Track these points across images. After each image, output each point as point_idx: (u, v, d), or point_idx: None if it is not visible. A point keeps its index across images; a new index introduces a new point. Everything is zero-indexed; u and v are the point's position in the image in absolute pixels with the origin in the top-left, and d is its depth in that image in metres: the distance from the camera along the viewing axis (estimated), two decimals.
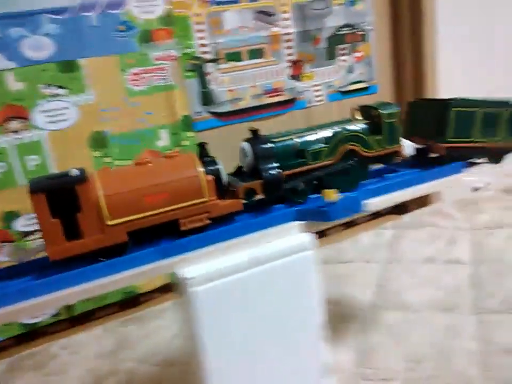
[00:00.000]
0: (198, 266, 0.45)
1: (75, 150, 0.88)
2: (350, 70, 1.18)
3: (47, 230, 0.42)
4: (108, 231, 0.44)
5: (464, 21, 1.36)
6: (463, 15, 1.35)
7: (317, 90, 1.14)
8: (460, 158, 0.63)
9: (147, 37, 0.92)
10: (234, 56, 1.02)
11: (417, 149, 0.66)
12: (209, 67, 1.00)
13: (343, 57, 1.16)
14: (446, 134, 0.61)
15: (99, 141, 0.90)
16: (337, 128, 0.57)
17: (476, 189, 1.46)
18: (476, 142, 0.63)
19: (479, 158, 0.67)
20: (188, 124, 0.98)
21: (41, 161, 0.86)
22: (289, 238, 0.49)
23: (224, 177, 0.50)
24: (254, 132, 0.53)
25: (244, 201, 0.51)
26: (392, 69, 1.27)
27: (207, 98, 1.01)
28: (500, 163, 0.69)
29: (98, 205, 0.44)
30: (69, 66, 0.86)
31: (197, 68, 0.98)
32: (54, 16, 0.83)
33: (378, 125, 0.58)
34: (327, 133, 0.56)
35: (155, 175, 0.47)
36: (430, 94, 1.25)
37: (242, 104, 1.05)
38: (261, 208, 0.52)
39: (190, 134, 0.99)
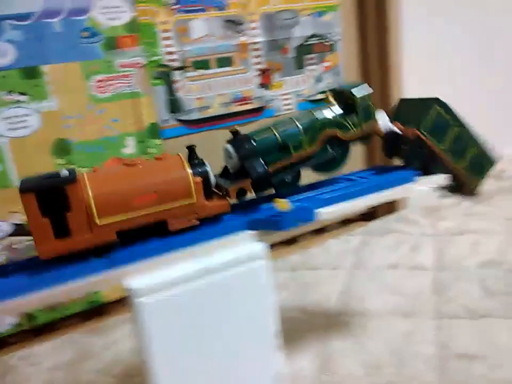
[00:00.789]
0: (145, 277, 0.45)
1: (37, 158, 0.87)
2: (319, 79, 1.20)
3: (37, 229, 0.43)
4: (97, 231, 0.45)
5: (430, 30, 1.40)
6: (428, 24, 1.39)
7: (286, 99, 1.16)
8: (420, 158, 0.64)
9: (112, 44, 0.91)
10: (202, 64, 1.02)
11: (391, 135, 0.66)
12: (176, 75, 1.00)
13: (311, 67, 1.18)
14: (421, 123, 0.63)
15: (62, 149, 0.89)
16: (313, 116, 0.58)
17: (441, 196, 1.49)
18: (442, 150, 0.65)
19: (436, 170, 0.68)
20: (155, 131, 0.98)
21: (2, 169, 0.84)
22: (240, 248, 0.50)
23: (212, 179, 0.51)
24: (235, 133, 0.54)
25: (231, 202, 0.52)
26: (359, 79, 1.30)
27: (174, 106, 1.01)
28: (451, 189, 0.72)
29: (87, 204, 0.44)
30: (31, 73, 0.84)
31: (164, 75, 0.98)
32: (16, 22, 0.82)
33: (352, 105, 0.59)
34: (305, 122, 0.57)
35: (144, 176, 0.48)
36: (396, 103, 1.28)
37: (210, 112, 1.05)
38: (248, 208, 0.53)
39: (157, 141, 0.99)
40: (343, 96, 0.61)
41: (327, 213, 0.54)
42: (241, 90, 1.08)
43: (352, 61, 1.27)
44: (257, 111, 1.11)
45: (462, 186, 0.71)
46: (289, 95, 1.16)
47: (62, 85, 0.87)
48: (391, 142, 0.68)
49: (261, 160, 0.53)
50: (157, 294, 0.44)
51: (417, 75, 1.34)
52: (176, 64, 0.99)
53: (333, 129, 0.58)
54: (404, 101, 0.72)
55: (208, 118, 1.05)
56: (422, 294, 0.92)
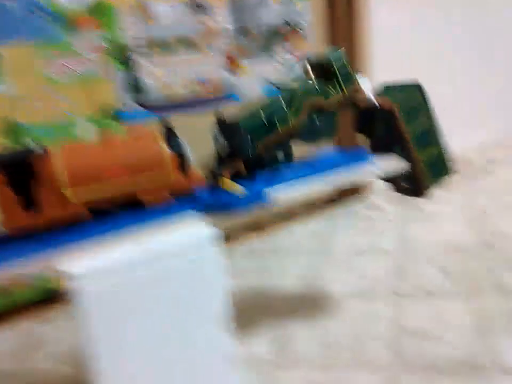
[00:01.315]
0: (85, 263, 0.43)
1: None
2: (288, 68, 1.20)
3: (5, 203, 0.42)
4: (67, 204, 0.44)
5: (399, 19, 1.42)
6: (397, 13, 1.41)
7: (254, 85, 1.15)
8: (387, 138, 0.65)
9: (71, 25, 0.88)
10: (166, 48, 1.00)
11: (369, 107, 0.66)
12: (138, 58, 0.98)
13: (280, 54, 1.18)
14: (398, 102, 0.63)
15: (15, 131, 0.86)
16: (295, 87, 0.58)
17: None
18: (408, 134, 0.65)
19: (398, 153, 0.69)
20: (115, 115, 0.96)
21: None
22: (190, 232, 0.49)
23: (188, 155, 0.51)
24: (220, 118, 0.54)
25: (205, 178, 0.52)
26: None
27: (136, 89, 0.99)
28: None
29: (56, 177, 0.43)
30: None
31: (125, 58, 0.96)
32: None
33: (332, 72, 0.59)
34: (287, 95, 0.57)
35: (117, 150, 0.47)
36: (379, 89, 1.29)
37: (175, 97, 1.04)
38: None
39: (117, 125, 0.97)
40: (321, 66, 0.60)
41: (281, 195, 0.54)
42: (206, 74, 1.07)
43: (321, 49, 1.27)
44: (224, 96, 1.11)
45: (415, 182, 0.72)
46: (257, 81, 1.15)
47: (17, 66, 0.84)
48: (366, 115, 0.67)
49: (248, 139, 0.52)
50: (98, 279, 0.42)
51: (386, 60, 1.36)
52: (138, 46, 0.97)
53: (315, 97, 0.57)
54: (387, 87, 0.72)
55: (172, 102, 1.04)
56: (382, 276, 0.95)
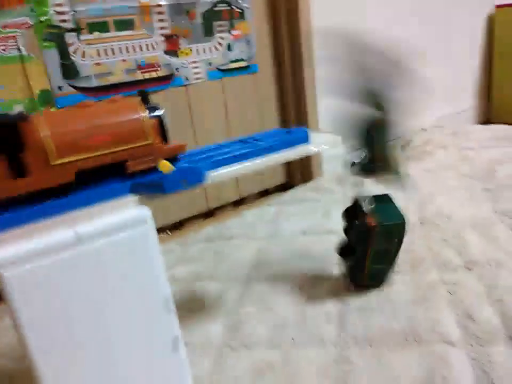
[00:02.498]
0: (11, 247, 0.40)
1: None
2: (229, 48, 1.17)
3: None
4: (53, 171, 0.44)
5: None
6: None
7: (196, 68, 1.12)
8: None
9: None
10: (100, 27, 0.95)
11: None
12: (70, 37, 0.92)
13: (220, 35, 1.15)
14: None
15: None
16: None
17: (353, 164, 1.56)
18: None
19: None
20: (48, 99, 0.90)
21: None
22: (122, 213, 0.47)
23: (167, 123, 0.51)
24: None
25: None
26: (271, 48, 1.29)
27: (69, 71, 0.93)
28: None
29: (43, 144, 0.43)
30: None
31: (55, 37, 0.90)
32: None
33: None
34: None
35: (100, 117, 0.47)
36: (307, 71, 1.29)
37: (112, 79, 0.99)
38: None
39: (50, 110, 0.91)
40: None
41: (218, 174, 0.53)
42: (145, 56, 1.03)
43: (263, 30, 1.26)
44: (165, 79, 1.07)
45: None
46: (199, 63, 1.12)
47: None
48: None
49: None
50: (25, 265, 0.40)
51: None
52: (68, 25, 0.91)
53: None
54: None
55: (110, 85, 0.99)
56: (329, 257, 0.96)
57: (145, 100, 0.51)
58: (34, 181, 0.44)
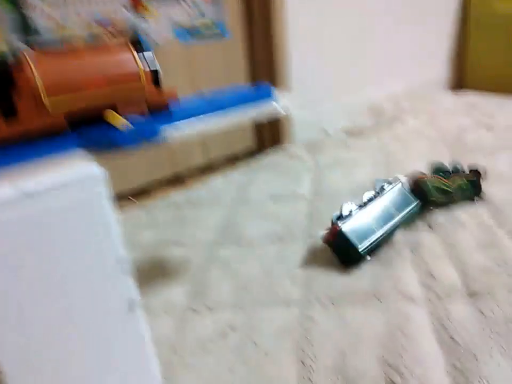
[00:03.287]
0: None
1: None
2: (198, 11, 1.12)
3: None
4: (45, 113, 0.43)
5: None
6: None
7: (162, 29, 1.06)
8: None
9: None
10: None
11: None
12: None
13: None
14: None
15: None
16: None
17: (326, 132, 1.55)
18: None
19: None
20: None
21: None
22: (73, 170, 0.43)
23: (159, 68, 0.49)
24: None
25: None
26: (242, 12, 1.24)
27: (27, 31, 0.87)
28: None
29: (34, 84, 0.41)
30: None
31: None
32: None
33: None
34: None
35: (92, 60, 0.45)
36: (279, 34, 1.25)
37: (71, 39, 0.93)
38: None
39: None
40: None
41: (175, 132, 0.50)
42: (108, 15, 0.97)
43: None
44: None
45: None
46: (163, 21, 1.07)
47: None
48: None
49: None
50: None
51: (299, 8, 1.33)
52: None
53: None
54: None
55: (68, 43, 0.93)
56: (296, 221, 0.95)
57: (136, 41, 0.49)
58: (24, 121, 0.42)
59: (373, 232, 0.78)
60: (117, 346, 0.53)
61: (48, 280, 0.45)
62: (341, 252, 0.78)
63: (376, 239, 0.78)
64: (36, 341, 0.45)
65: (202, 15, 1.14)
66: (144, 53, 0.49)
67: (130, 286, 0.52)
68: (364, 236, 0.77)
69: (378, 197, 0.83)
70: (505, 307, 0.62)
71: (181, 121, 0.52)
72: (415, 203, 0.86)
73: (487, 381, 0.52)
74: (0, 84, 0.41)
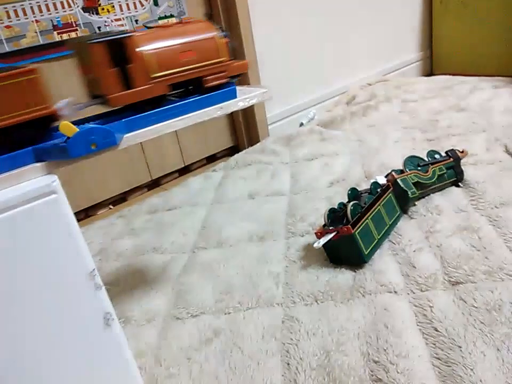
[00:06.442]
0: None
1: None
2: (156, 3, 1.09)
3: (107, 78, 0.47)
4: (152, 83, 0.51)
5: None
6: None
7: (120, 25, 1.03)
8: None
9: None
10: None
11: None
12: None
13: None
14: None
15: None
16: None
17: (301, 124, 1.53)
18: None
19: None
20: None
21: None
22: (28, 182, 0.41)
23: (233, 42, 0.56)
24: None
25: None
26: (203, 3, 1.21)
27: None
28: None
29: (145, 58, 0.50)
30: None
31: None
32: None
33: None
34: None
35: (184, 36, 0.53)
36: (243, 25, 1.22)
37: (25, 43, 0.89)
38: None
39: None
40: None
41: (132, 136, 0.48)
42: (61, 15, 0.93)
43: None
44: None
45: None
46: (123, 21, 1.03)
47: None
48: None
49: None
50: None
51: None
52: None
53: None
54: None
55: (23, 49, 0.89)
56: (276, 218, 0.94)
57: (211, 21, 0.58)
58: (138, 92, 0.50)
59: (374, 239, 0.77)
60: (96, 363, 0.51)
61: (11, 295, 0.42)
62: (342, 252, 0.75)
63: (375, 245, 0.77)
64: (7, 359, 0.43)
65: (162, 9, 1.10)
66: (221, 29, 0.57)
67: (104, 301, 0.50)
68: (368, 242, 0.75)
69: (375, 200, 0.81)
70: (487, 294, 0.62)
71: (136, 124, 0.50)
72: (399, 212, 0.85)
73: (472, 370, 0.52)
74: (122, 61, 0.48)
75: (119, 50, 0.48)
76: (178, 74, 0.52)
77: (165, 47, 0.51)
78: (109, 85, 0.48)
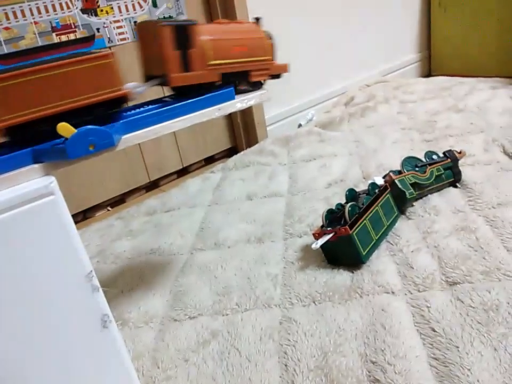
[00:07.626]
0: None
1: None
2: (155, 4, 1.09)
3: (170, 59, 0.51)
4: (207, 69, 0.55)
5: None
6: None
7: (119, 27, 1.03)
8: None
9: None
10: None
11: None
12: None
13: None
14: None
15: None
16: None
17: (300, 125, 1.54)
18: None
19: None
20: None
21: None
22: (25, 184, 0.41)
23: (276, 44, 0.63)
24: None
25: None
26: (203, 4, 1.21)
27: None
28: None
29: (205, 49, 0.54)
30: None
31: None
32: None
33: None
34: None
35: (238, 32, 0.59)
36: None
37: (24, 44, 0.89)
38: None
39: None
40: None
41: (130, 137, 0.48)
42: (60, 17, 0.93)
43: None
44: (85, 41, 0.98)
45: None
46: (123, 22, 1.03)
47: None
48: None
49: None
50: None
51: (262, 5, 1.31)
52: None
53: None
54: None
55: (22, 51, 0.89)
56: (274, 219, 0.94)
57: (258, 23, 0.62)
58: (195, 75, 0.54)
59: (372, 240, 0.77)
60: (93, 365, 0.51)
61: (7, 297, 0.42)
62: (339, 253, 0.75)
63: (372, 246, 0.76)
64: (2, 361, 0.43)
65: (161, 10, 1.10)
66: (267, 31, 0.62)
67: (101, 302, 0.50)
68: (366, 243, 0.75)
69: (373, 200, 0.81)
70: (484, 294, 0.62)
71: (135, 125, 0.50)
72: (397, 213, 0.85)
73: (469, 371, 0.52)
74: (184, 46, 0.52)
75: (183, 35, 0.52)
76: (230, 65, 0.57)
77: (222, 39, 0.57)
78: (171, 65, 0.52)
